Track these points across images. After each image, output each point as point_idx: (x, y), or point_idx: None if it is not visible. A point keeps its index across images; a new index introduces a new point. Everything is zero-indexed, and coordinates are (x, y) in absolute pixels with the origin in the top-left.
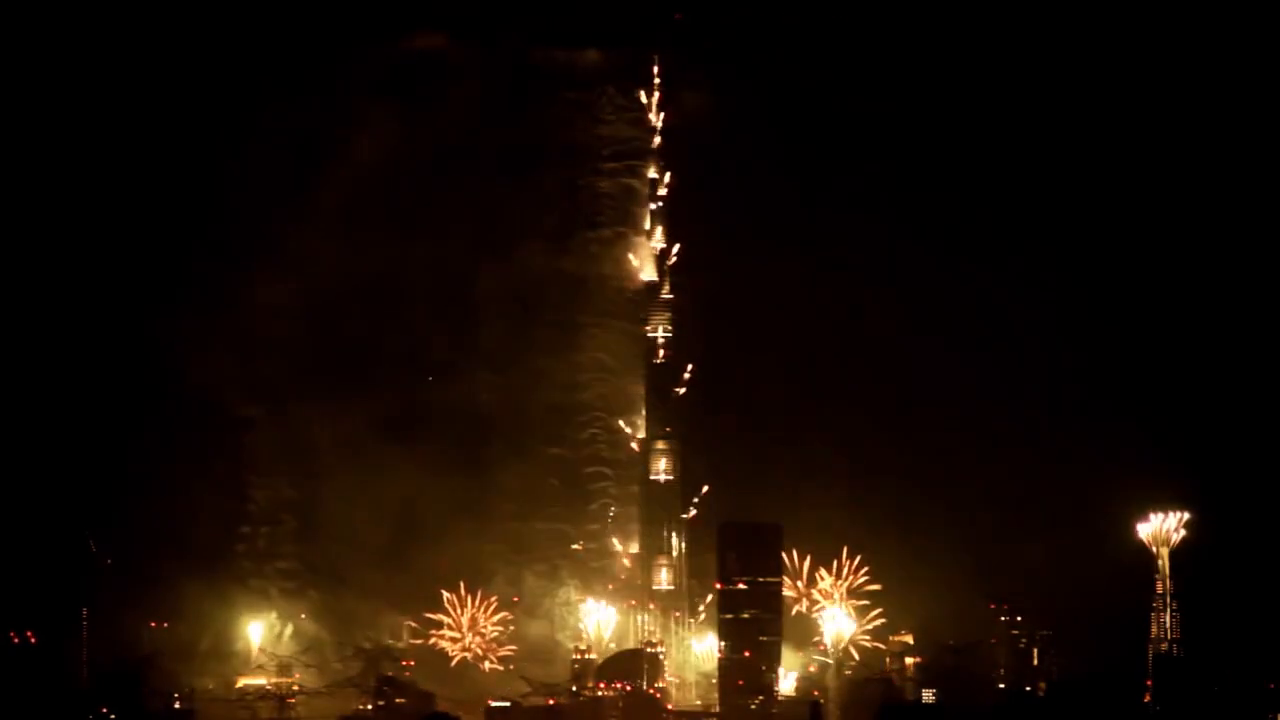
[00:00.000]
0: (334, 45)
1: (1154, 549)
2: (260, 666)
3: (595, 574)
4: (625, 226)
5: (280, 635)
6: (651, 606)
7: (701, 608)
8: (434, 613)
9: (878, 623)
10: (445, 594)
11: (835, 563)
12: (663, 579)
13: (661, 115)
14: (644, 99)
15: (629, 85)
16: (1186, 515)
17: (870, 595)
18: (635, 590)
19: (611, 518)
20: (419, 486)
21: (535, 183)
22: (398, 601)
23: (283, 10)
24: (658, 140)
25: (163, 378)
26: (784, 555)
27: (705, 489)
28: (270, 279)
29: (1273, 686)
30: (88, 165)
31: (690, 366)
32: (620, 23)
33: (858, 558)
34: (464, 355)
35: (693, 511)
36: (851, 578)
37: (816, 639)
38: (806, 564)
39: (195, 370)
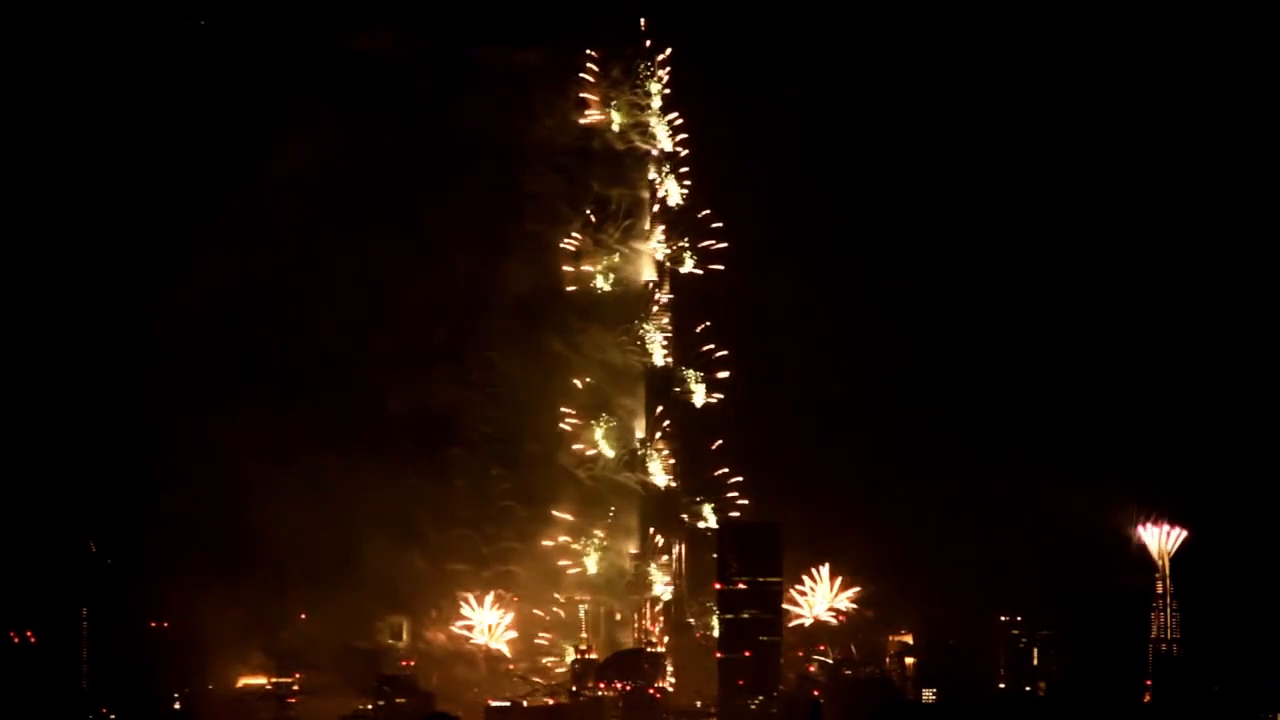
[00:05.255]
0: (264, 43)
1: (1155, 558)
2: (260, 666)
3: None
4: (559, 227)
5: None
6: (652, 606)
7: (701, 608)
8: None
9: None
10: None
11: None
12: (662, 579)
13: (661, 114)
14: (642, 99)
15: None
16: (1183, 532)
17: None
18: (636, 590)
19: (611, 517)
20: (346, 490)
21: (471, 184)
22: (341, 604)
23: (205, 8)
24: (659, 142)
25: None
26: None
27: (703, 490)
28: (192, 282)
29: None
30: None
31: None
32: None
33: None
34: (392, 360)
35: (691, 512)
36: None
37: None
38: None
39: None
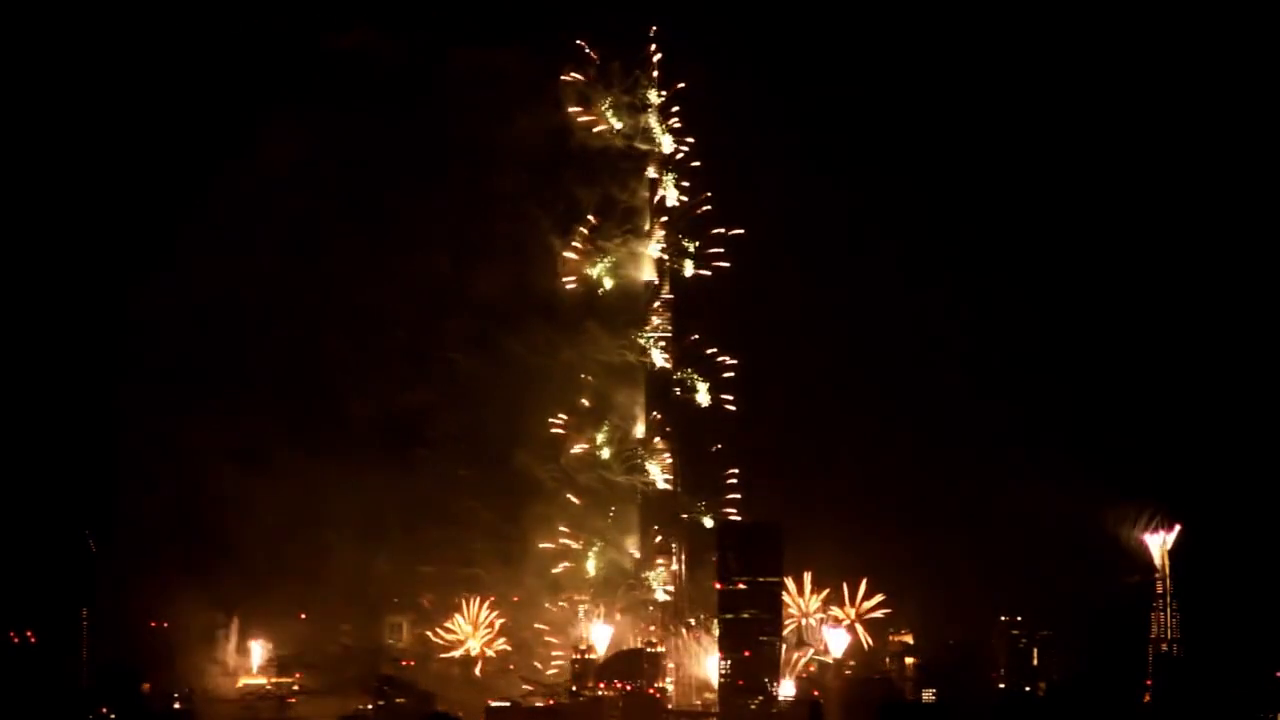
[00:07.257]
0: (238, 43)
1: (1155, 558)
2: (259, 666)
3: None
4: (540, 230)
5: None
6: (651, 607)
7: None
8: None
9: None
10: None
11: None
12: (662, 579)
13: (659, 113)
14: (638, 99)
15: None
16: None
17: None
18: (636, 590)
19: (611, 517)
20: (318, 491)
21: (440, 187)
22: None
23: (178, 8)
24: (661, 143)
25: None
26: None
27: (703, 490)
28: (166, 280)
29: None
30: None
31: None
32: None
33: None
34: (361, 364)
35: (691, 512)
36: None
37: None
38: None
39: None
